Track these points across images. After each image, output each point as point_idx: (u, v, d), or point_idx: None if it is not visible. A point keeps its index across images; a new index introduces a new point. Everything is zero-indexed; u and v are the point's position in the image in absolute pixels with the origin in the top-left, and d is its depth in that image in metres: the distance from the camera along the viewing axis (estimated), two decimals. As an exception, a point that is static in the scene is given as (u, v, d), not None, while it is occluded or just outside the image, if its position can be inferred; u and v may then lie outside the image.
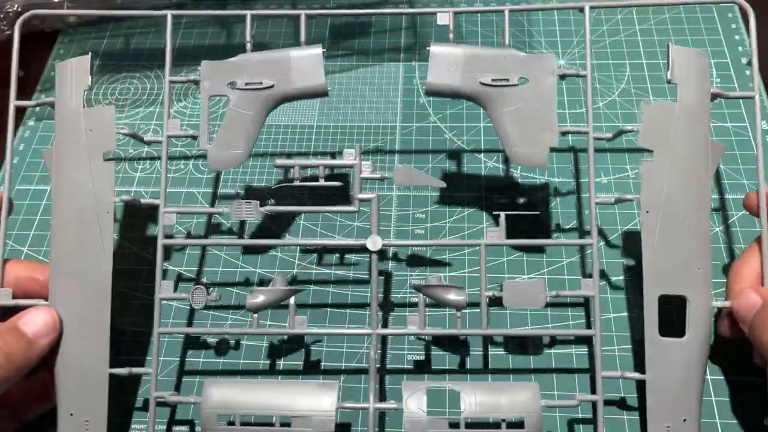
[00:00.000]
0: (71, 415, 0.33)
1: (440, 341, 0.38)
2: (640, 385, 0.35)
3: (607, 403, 0.35)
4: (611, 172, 0.44)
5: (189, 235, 0.42)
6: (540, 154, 0.35)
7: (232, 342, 0.38)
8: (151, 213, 0.42)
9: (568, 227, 0.42)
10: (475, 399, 0.32)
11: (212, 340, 0.39)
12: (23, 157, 0.48)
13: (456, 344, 0.38)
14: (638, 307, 0.35)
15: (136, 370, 0.34)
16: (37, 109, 0.49)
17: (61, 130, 0.35)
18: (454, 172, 0.44)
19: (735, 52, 0.49)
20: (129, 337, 0.39)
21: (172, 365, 0.38)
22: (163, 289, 0.35)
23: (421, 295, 0.34)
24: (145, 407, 0.36)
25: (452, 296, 0.34)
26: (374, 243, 0.35)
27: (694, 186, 0.33)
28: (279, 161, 0.36)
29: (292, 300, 0.34)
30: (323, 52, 0.36)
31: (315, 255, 0.42)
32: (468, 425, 0.31)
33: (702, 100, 0.34)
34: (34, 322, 0.32)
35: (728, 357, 0.37)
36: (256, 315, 0.34)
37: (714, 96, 0.35)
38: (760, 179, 0.34)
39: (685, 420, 0.32)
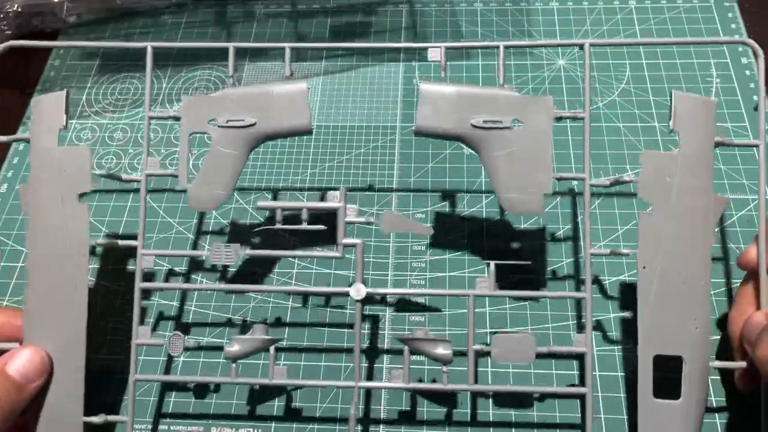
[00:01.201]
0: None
1: (426, 392, 0.37)
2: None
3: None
4: (617, 220, 0.41)
5: (170, 272, 0.41)
6: (534, 201, 0.33)
7: (212, 385, 0.37)
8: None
9: (563, 275, 0.40)
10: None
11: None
12: (23, 157, 0.47)
13: (442, 396, 0.37)
14: (632, 364, 0.33)
15: (111, 417, 0.33)
16: None
17: (36, 168, 0.33)
18: (449, 213, 0.43)
19: (735, 52, 0.47)
20: (103, 376, 0.38)
21: (148, 407, 0.37)
22: (141, 334, 0.33)
23: (406, 347, 0.33)
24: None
25: (440, 350, 0.33)
26: (358, 291, 0.33)
27: (694, 242, 0.31)
28: (261, 203, 0.34)
29: (272, 350, 0.33)
30: (308, 89, 0.34)
31: (300, 296, 0.40)
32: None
33: (706, 149, 0.32)
34: (22, 363, 0.31)
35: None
36: (233, 364, 0.33)
37: (717, 144, 0.33)
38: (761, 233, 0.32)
39: (678, 486, 0.31)
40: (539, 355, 0.32)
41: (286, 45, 0.35)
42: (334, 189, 0.35)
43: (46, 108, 0.34)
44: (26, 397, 0.31)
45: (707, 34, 0.49)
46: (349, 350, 0.38)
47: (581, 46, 0.35)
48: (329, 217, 0.34)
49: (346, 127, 0.47)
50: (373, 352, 0.38)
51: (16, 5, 0.51)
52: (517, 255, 0.40)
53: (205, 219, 0.43)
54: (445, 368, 0.33)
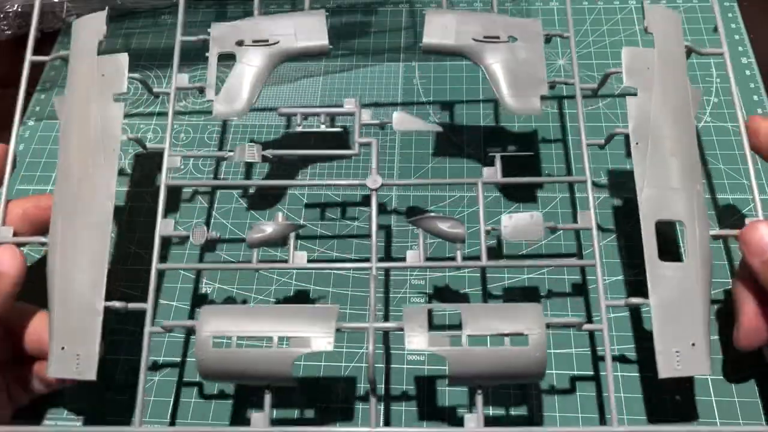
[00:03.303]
0: (63, 348, 0.32)
1: (440, 295, 0.38)
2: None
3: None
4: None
5: (195, 192, 0.43)
6: (532, 103, 0.37)
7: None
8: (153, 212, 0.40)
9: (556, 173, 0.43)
10: (477, 318, 0.31)
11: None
12: (23, 157, 0.47)
13: (456, 300, 0.38)
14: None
15: (132, 305, 0.33)
16: (37, 108, 0.50)
17: (74, 78, 0.36)
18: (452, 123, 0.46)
19: (735, 52, 0.48)
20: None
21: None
22: (164, 226, 0.35)
23: (420, 229, 0.34)
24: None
25: (448, 227, 0.34)
26: (374, 181, 0.35)
27: (678, 117, 0.35)
28: (282, 109, 0.37)
29: (292, 236, 0.34)
30: (327, 15, 0.39)
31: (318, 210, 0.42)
32: (471, 343, 0.30)
33: (677, 48, 0.37)
34: None
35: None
36: (256, 252, 0.34)
37: (688, 51, 0.37)
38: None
39: (693, 344, 0.31)
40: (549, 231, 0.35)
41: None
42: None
43: (88, 24, 0.37)
44: (9, 285, 0.32)
45: (707, 34, 0.49)
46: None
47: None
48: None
49: (346, 128, 0.47)
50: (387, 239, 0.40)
51: (16, 5, 0.51)
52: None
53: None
54: (459, 245, 0.34)
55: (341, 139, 0.39)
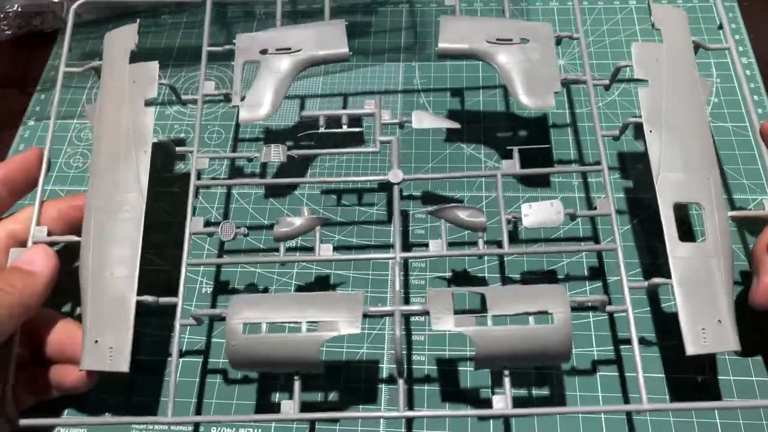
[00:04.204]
0: (96, 342, 0.33)
1: (459, 280, 0.38)
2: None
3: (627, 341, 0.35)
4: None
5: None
6: (546, 100, 0.38)
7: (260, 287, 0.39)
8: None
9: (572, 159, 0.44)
10: (502, 299, 0.31)
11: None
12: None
13: (475, 284, 0.39)
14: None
15: (163, 300, 0.34)
16: (37, 108, 0.49)
17: (107, 86, 0.38)
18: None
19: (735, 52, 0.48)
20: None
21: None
22: (193, 224, 0.36)
23: (442, 219, 0.35)
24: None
25: (468, 216, 0.35)
26: (396, 175, 0.36)
27: (689, 105, 0.36)
28: (305, 112, 0.39)
29: (317, 229, 0.35)
30: (345, 24, 0.41)
31: (335, 197, 0.44)
32: (496, 323, 0.31)
33: (684, 43, 0.38)
34: (32, 259, 0.34)
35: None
36: (282, 245, 0.35)
37: (695, 47, 0.39)
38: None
39: (719, 321, 0.32)
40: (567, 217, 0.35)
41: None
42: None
43: (120, 35, 0.39)
44: (41, 285, 0.33)
45: (707, 34, 0.49)
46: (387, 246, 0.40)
47: None
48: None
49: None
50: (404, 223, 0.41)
51: (16, 5, 0.50)
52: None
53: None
54: (480, 233, 0.35)
55: (357, 136, 0.41)
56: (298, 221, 0.36)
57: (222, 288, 0.40)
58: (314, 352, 0.31)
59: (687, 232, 0.39)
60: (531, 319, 0.31)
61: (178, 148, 0.38)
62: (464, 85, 0.47)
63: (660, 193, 0.34)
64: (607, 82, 0.39)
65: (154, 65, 0.38)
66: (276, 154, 0.37)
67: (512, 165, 0.37)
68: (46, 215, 0.36)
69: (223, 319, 0.32)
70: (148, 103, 0.37)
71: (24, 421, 0.32)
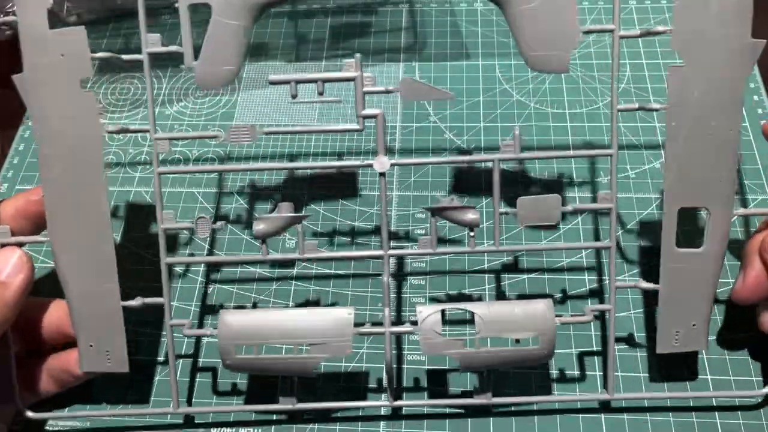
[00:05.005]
0: (91, 346, 0.34)
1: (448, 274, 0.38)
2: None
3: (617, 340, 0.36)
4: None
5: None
6: (559, 58, 0.32)
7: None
8: (151, 212, 0.37)
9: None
10: (490, 321, 0.32)
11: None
12: (23, 157, 0.47)
13: (466, 279, 0.38)
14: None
15: (148, 300, 0.34)
16: None
17: (29, 55, 0.31)
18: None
19: None
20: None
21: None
22: (165, 219, 0.33)
23: (433, 216, 0.33)
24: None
25: (466, 215, 0.33)
26: (382, 164, 0.33)
27: (728, 93, 0.31)
28: (272, 77, 0.33)
29: (299, 227, 0.33)
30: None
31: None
32: (482, 345, 0.32)
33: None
34: (1, 268, 0.32)
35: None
36: (264, 244, 0.33)
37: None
38: None
39: (694, 325, 0.33)
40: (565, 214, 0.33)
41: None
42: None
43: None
44: (16, 293, 0.32)
45: None
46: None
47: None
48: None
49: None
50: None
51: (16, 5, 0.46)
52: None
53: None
54: (472, 232, 0.33)
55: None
56: (277, 221, 0.33)
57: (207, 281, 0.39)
58: (308, 371, 0.32)
59: (689, 233, 0.37)
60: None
61: (132, 128, 0.33)
62: (464, 85, 0.45)
63: (668, 195, 0.32)
64: (637, 32, 0.33)
65: (81, 32, 0.31)
66: (245, 135, 0.33)
67: (512, 148, 0.33)
68: (5, 215, 0.33)
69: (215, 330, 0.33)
70: (84, 84, 0.31)
71: (32, 414, 0.34)
